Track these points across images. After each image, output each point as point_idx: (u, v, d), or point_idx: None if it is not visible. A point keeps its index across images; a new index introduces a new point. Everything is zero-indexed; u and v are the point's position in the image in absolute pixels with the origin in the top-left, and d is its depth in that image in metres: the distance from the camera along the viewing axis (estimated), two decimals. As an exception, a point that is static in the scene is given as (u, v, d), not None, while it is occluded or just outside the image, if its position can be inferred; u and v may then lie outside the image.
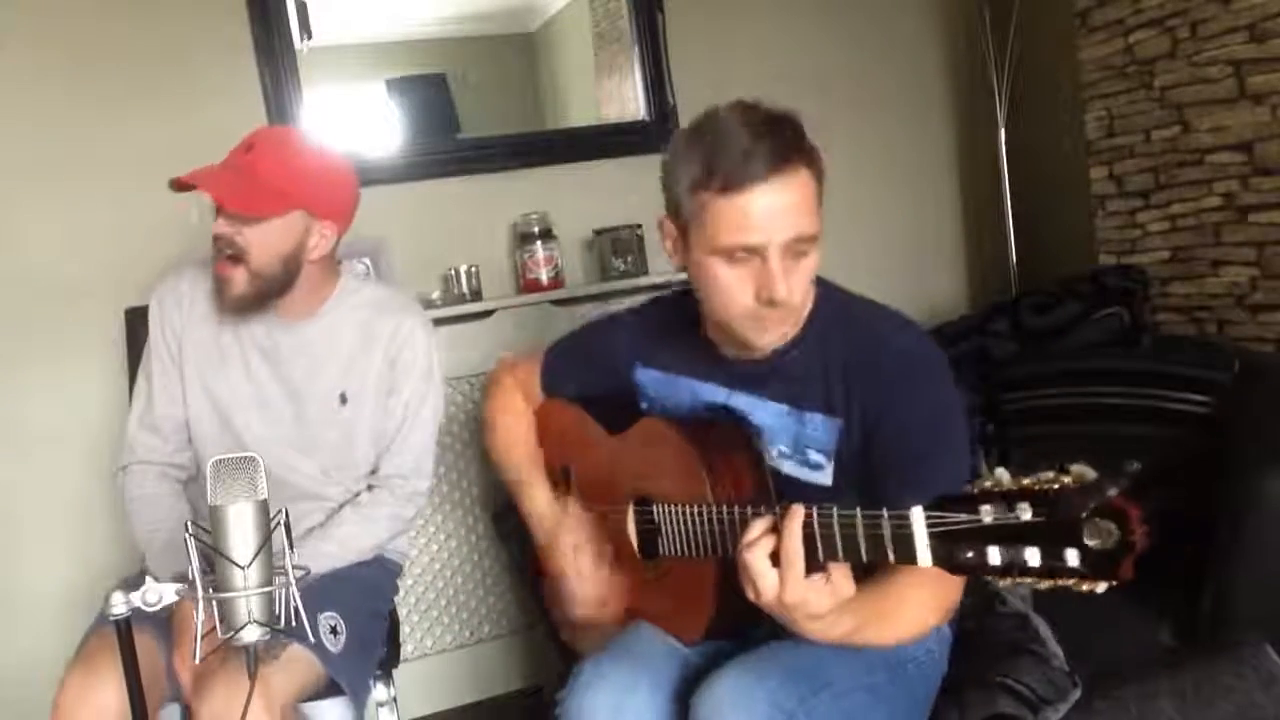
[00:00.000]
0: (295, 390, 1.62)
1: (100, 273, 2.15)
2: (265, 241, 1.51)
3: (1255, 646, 1.47)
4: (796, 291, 1.19)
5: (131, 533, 1.62)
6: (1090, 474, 0.78)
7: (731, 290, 1.19)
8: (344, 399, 1.62)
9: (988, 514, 0.84)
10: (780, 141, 1.15)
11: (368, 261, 2.34)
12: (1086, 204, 2.58)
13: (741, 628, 1.28)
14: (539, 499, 1.53)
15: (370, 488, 1.66)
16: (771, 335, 1.23)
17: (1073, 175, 2.63)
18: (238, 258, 1.51)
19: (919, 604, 1.16)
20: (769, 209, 1.14)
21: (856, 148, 2.77)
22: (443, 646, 2.41)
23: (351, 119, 2.45)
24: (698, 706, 1.16)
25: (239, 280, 1.52)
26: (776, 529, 1.04)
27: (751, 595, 1.05)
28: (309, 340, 1.62)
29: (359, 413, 1.62)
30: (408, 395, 1.63)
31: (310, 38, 2.33)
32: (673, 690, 1.24)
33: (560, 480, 1.56)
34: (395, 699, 1.78)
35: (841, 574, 1.03)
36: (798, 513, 1.02)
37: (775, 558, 1.03)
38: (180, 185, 1.49)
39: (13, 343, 2.18)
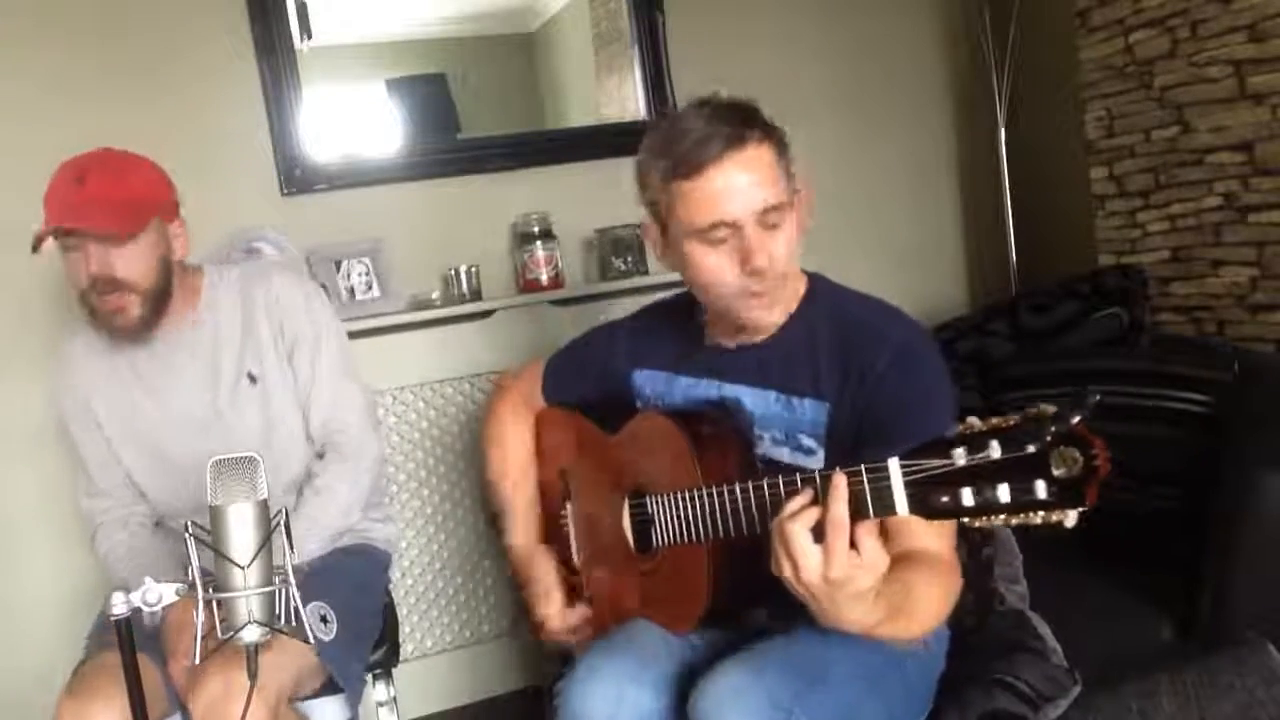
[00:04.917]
0: (205, 393, 1.63)
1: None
2: (140, 262, 1.52)
3: (1256, 644, 1.47)
4: (777, 259, 1.23)
5: (120, 583, 1.63)
6: (1051, 408, 0.81)
7: (717, 269, 1.24)
8: (253, 378, 1.64)
9: (960, 457, 0.86)
10: (734, 119, 1.22)
11: (368, 261, 2.33)
12: (1086, 204, 2.58)
13: (735, 615, 1.29)
14: (517, 533, 1.58)
15: (319, 456, 1.68)
16: (766, 312, 1.28)
17: (1073, 175, 2.64)
18: (125, 288, 1.52)
19: (929, 595, 1.14)
20: (734, 183, 1.20)
21: (856, 148, 2.77)
22: (442, 646, 2.41)
23: (351, 119, 2.45)
24: (696, 705, 1.16)
25: (133, 305, 1.53)
26: (816, 501, 1.01)
27: (789, 573, 1.00)
28: (198, 340, 1.64)
29: (272, 385, 1.64)
30: (306, 349, 1.66)
31: (310, 38, 2.33)
32: (671, 682, 1.24)
33: (559, 484, 1.57)
34: (395, 699, 1.78)
35: (874, 546, 0.98)
36: (841, 479, 0.97)
37: (816, 532, 0.99)
38: (42, 239, 1.48)
39: (4, 346, 2.17)
